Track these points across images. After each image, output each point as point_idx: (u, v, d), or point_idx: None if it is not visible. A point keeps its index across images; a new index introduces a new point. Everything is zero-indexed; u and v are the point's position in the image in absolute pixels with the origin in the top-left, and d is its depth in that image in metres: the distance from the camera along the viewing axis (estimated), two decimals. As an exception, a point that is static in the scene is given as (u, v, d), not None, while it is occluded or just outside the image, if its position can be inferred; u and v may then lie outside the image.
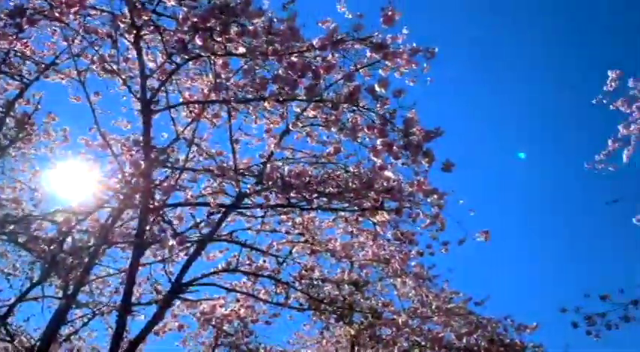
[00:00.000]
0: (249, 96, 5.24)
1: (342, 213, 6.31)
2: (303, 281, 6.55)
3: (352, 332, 6.82)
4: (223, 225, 6.07)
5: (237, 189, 5.63)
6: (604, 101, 6.29)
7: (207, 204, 5.62)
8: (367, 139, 5.26)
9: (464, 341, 6.81)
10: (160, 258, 6.26)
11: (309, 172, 5.67)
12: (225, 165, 5.60)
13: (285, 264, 6.48)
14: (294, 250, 6.68)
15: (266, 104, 5.32)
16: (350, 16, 5.03)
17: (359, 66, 5.04)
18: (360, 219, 6.37)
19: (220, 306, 6.97)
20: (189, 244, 5.84)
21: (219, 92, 5.17)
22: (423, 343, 6.87)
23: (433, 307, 7.02)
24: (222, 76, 5.11)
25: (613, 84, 6.14)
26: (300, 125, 5.68)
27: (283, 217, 6.42)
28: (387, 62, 5.04)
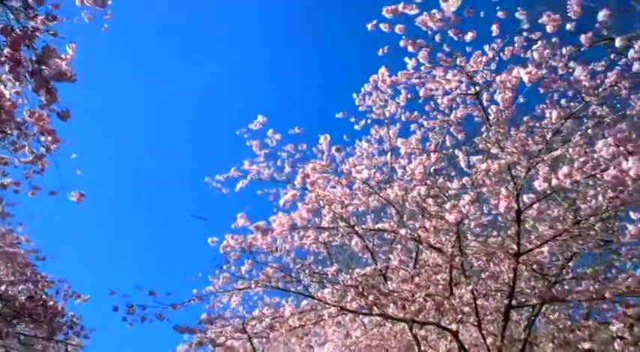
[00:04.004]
0: None
1: None
2: None
3: None
4: None
5: None
6: (245, 136, 7.06)
7: None
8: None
9: (2, 288, 6.30)
10: None
11: None
12: None
13: None
14: None
15: None
16: None
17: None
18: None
19: None
20: None
21: None
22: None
23: (-10, 245, 6.34)
24: None
25: (258, 125, 6.96)
26: None
27: None
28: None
